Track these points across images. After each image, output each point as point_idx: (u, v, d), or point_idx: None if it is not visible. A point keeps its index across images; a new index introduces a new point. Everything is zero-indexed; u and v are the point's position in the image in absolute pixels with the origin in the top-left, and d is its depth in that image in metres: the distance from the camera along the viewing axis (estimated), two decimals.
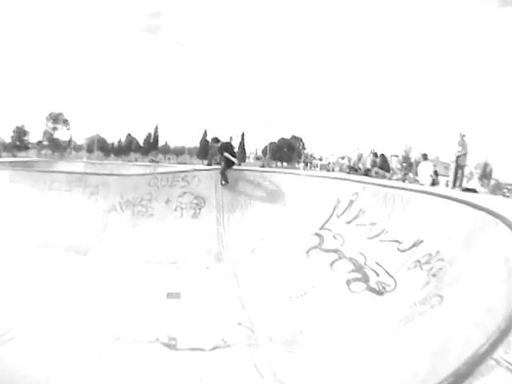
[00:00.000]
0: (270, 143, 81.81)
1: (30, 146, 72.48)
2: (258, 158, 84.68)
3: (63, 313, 5.09)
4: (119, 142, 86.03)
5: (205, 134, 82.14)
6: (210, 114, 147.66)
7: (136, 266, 7.33)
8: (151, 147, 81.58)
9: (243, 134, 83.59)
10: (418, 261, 4.51)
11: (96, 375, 3.71)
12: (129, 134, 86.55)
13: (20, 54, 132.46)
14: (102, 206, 9.06)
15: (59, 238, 8.38)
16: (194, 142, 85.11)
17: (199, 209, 9.25)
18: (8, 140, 69.93)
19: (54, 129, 73.62)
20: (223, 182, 9.67)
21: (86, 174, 10.16)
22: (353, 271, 5.44)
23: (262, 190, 9.39)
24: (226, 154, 9.90)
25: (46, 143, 71.50)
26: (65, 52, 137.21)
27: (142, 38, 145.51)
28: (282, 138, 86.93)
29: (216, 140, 10.84)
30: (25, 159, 26.62)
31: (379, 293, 4.72)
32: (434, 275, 4.04)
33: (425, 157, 12.21)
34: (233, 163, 10.02)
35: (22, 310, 5.13)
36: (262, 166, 34.25)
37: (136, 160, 59.41)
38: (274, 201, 8.95)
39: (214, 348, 4.16)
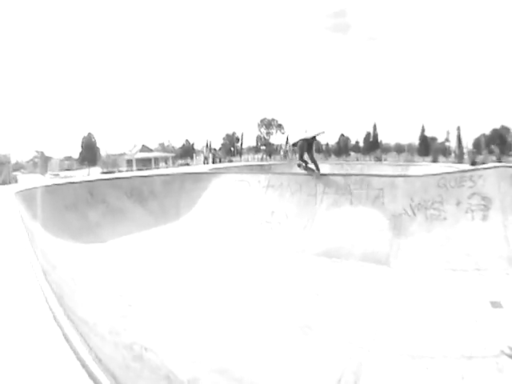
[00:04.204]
0: (483, 135, 71.71)
1: (243, 151, 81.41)
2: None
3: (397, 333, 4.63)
4: (338, 142, 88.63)
5: (423, 129, 77.67)
6: (425, 108, 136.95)
7: (442, 275, 6.72)
8: (372, 146, 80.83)
9: (459, 128, 75.43)
10: None
11: None
12: (342, 134, 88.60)
13: (227, 64, 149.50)
14: (391, 210, 8.39)
15: (348, 246, 8.06)
16: (412, 139, 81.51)
17: (487, 210, 8.00)
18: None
19: (268, 133, 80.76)
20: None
21: (369, 175, 9.79)
22: None
23: None
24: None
25: (263, 147, 78.98)
26: (265, 60, 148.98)
27: (332, 38, 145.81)
28: (494, 129, 74.74)
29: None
30: (260, 163, 29.49)
31: None
32: None
33: None
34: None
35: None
36: (473, 164, 29.13)
37: (357, 159, 60.01)
38: None
39: None
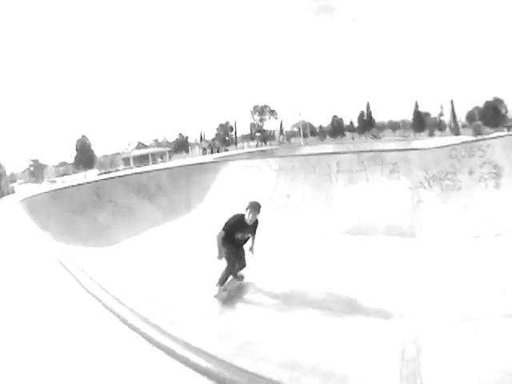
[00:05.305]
0: (477, 108, 72.22)
1: (237, 139, 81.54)
2: (463, 126, 73.58)
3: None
4: (331, 123, 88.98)
5: (416, 105, 78.10)
6: (416, 84, 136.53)
7: (466, 242, 6.84)
8: (366, 125, 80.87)
9: (452, 101, 75.63)
10: None
11: None
12: (335, 116, 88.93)
13: (220, 55, 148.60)
14: (407, 184, 8.66)
15: (371, 222, 8.27)
16: (405, 115, 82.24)
17: (499, 178, 8.20)
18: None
19: (262, 120, 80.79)
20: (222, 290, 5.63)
21: (382, 151, 9.97)
22: None
23: None
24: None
25: (257, 134, 79.03)
26: (254, 47, 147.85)
27: (318, 21, 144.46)
28: (487, 101, 75.01)
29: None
30: (260, 148, 29.69)
31: None
32: None
33: None
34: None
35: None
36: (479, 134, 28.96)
37: (353, 139, 60.21)
38: None
39: None
